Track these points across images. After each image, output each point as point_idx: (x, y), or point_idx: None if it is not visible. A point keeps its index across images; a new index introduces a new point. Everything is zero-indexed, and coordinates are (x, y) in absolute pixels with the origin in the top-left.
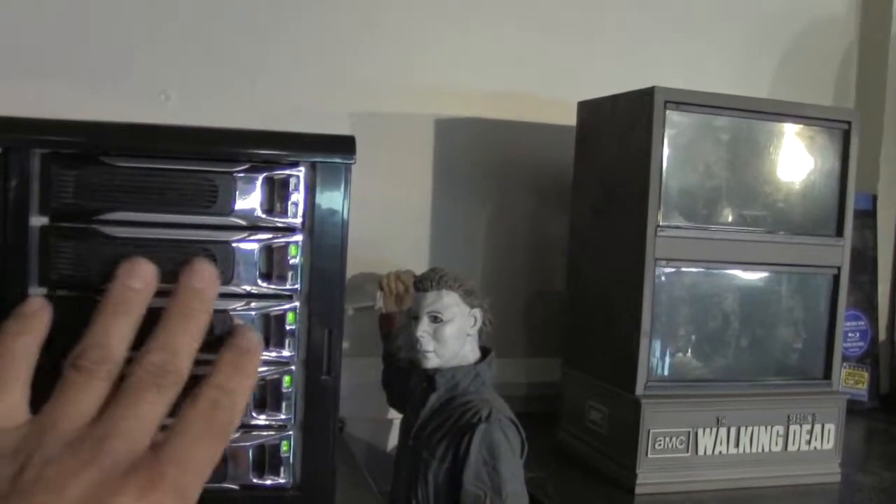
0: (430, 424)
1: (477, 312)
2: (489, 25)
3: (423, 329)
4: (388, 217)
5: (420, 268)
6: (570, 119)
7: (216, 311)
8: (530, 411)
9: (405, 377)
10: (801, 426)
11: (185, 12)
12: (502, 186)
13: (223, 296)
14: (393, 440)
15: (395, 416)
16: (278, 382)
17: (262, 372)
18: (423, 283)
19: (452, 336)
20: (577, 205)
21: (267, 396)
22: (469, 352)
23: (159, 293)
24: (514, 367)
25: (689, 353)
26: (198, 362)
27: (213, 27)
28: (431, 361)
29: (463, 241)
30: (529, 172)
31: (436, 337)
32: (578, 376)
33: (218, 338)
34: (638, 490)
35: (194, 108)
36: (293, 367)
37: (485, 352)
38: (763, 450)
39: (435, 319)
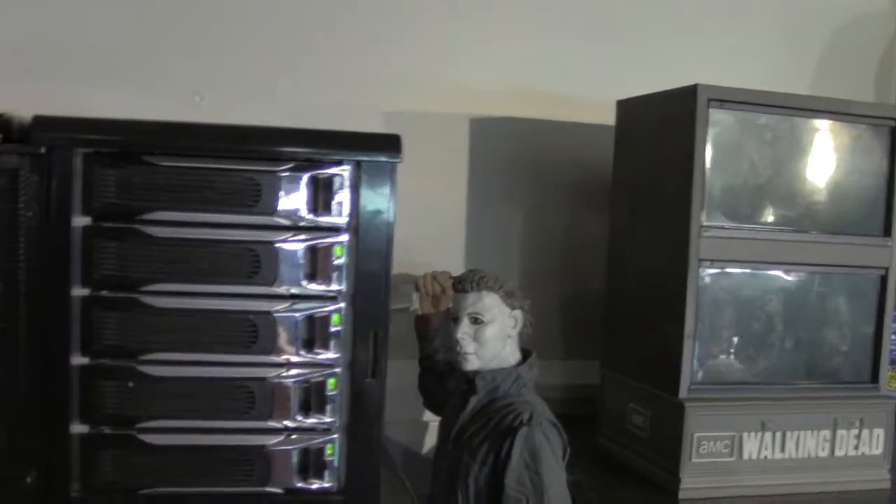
0: (470, 427)
1: (518, 314)
2: (526, 25)
3: (464, 330)
4: (422, 217)
5: (455, 269)
6: (607, 118)
7: (258, 313)
8: (567, 413)
9: (442, 379)
10: (848, 431)
11: (221, 13)
12: (538, 187)
13: (267, 297)
14: (429, 443)
15: (431, 419)
16: (322, 385)
17: (307, 374)
18: (463, 285)
19: (493, 337)
20: (617, 205)
21: (311, 399)
22: (510, 353)
23: (191, 295)
24: (551, 369)
25: (732, 356)
26: (225, 363)
27: (248, 28)
28: (472, 363)
29: (498, 242)
30: (566, 172)
31: (476, 338)
32: (618, 379)
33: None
34: (682, 495)
35: (228, 109)
36: (338, 370)
37: (525, 354)
38: (809, 455)
39: (475, 321)
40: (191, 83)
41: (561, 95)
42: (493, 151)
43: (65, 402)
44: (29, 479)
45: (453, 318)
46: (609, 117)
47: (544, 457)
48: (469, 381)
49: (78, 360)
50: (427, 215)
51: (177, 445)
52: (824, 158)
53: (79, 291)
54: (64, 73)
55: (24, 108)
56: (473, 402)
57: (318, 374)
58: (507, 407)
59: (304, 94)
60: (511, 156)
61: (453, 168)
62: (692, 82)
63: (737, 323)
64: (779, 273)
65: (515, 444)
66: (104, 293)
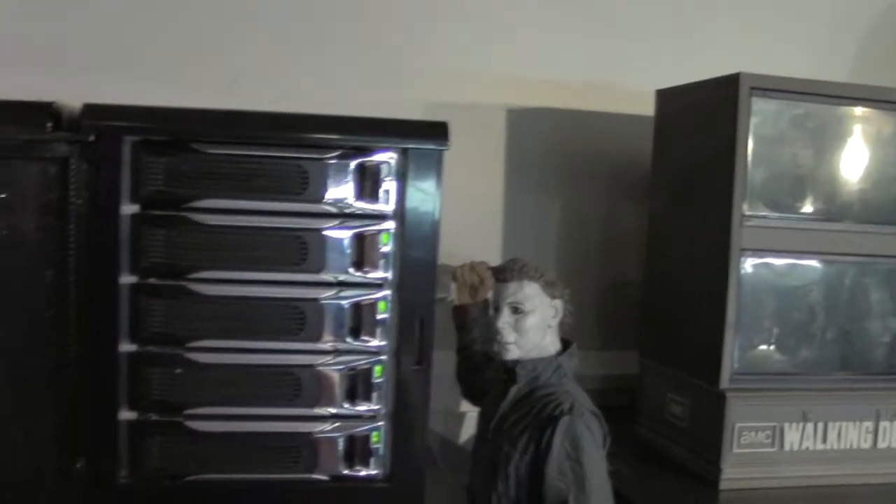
0: (510, 417)
1: (558, 303)
2: (564, 15)
3: (504, 320)
4: (459, 207)
5: (493, 259)
6: (647, 108)
7: (305, 301)
8: (605, 404)
9: (480, 370)
10: (891, 422)
11: (264, 1)
12: (576, 177)
13: (314, 284)
14: (466, 433)
15: (469, 409)
16: (369, 373)
17: (354, 362)
18: (503, 274)
19: (534, 327)
20: (656, 195)
21: (358, 387)
22: (550, 343)
23: (239, 283)
24: (588, 359)
25: (773, 347)
26: (271, 351)
27: (290, 18)
28: (512, 353)
29: (535, 232)
30: (604, 163)
31: (517, 328)
32: (657, 369)
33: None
34: (723, 486)
35: (265, 96)
36: (384, 358)
37: (566, 343)
38: (851, 446)
39: (516, 310)
40: (230, 72)
41: (600, 85)
42: (530, 142)
43: (113, 390)
44: (78, 466)
45: (493, 308)
46: (648, 107)
47: (585, 446)
48: (509, 370)
49: (126, 347)
50: (464, 206)
51: (223, 432)
52: (867, 147)
53: (127, 279)
54: (107, 64)
55: (72, 99)
56: (514, 391)
57: (364, 361)
58: (548, 396)
59: (343, 83)
60: (549, 146)
61: (491, 158)
62: (732, 71)
63: (777, 313)
64: (820, 263)
65: (556, 434)
66: (152, 280)
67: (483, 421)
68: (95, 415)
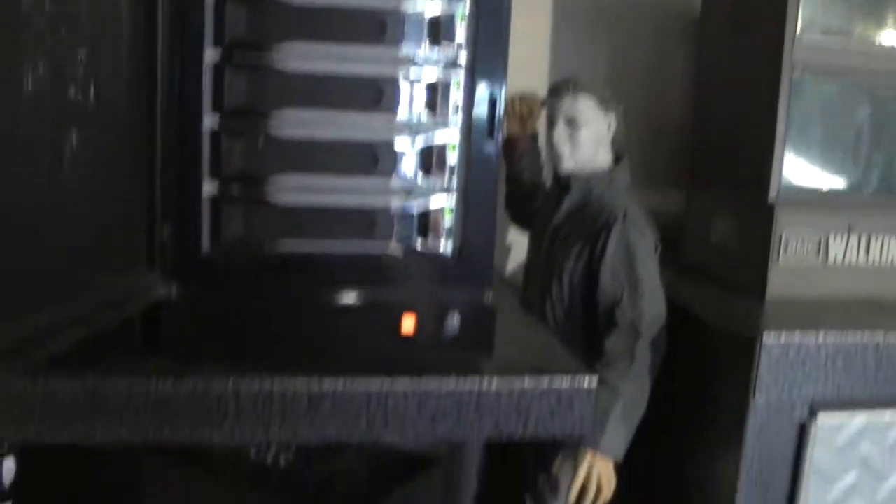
0: (563, 228)
1: (612, 117)
2: None
3: (559, 133)
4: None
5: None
6: None
7: (385, 79)
8: None
9: (529, 198)
10: None
11: None
12: (622, 20)
13: (393, 62)
14: (511, 265)
15: (516, 239)
16: (443, 149)
17: (429, 138)
18: (558, 89)
19: (588, 140)
20: (708, 21)
21: (433, 160)
22: (603, 157)
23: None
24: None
25: (821, 165)
26: (351, 125)
27: None
28: (566, 164)
29: (582, 70)
30: (653, 7)
31: (571, 140)
32: (705, 193)
33: None
34: (769, 296)
35: None
36: (457, 135)
37: (618, 159)
38: (893, 263)
39: (571, 123)
40: None
41: None
42: None
43: (197, 160)
44: (164, 234)
45: (549, 123)
46: None
47: (639, 251)
48: (563, 185)
49: (209, 119)
50: (512, 43)
51: (301, 205)
52: None
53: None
54: None
55: None
56: (567, 203)
57: (439, 139)
58: (601, 207)
59: None
60: None
61: None
62: None
63: (826, 133)
64: (872, 83)
65: (610, 240)
66: (236, 56)
67: (535, 239)
68: (181, 184)
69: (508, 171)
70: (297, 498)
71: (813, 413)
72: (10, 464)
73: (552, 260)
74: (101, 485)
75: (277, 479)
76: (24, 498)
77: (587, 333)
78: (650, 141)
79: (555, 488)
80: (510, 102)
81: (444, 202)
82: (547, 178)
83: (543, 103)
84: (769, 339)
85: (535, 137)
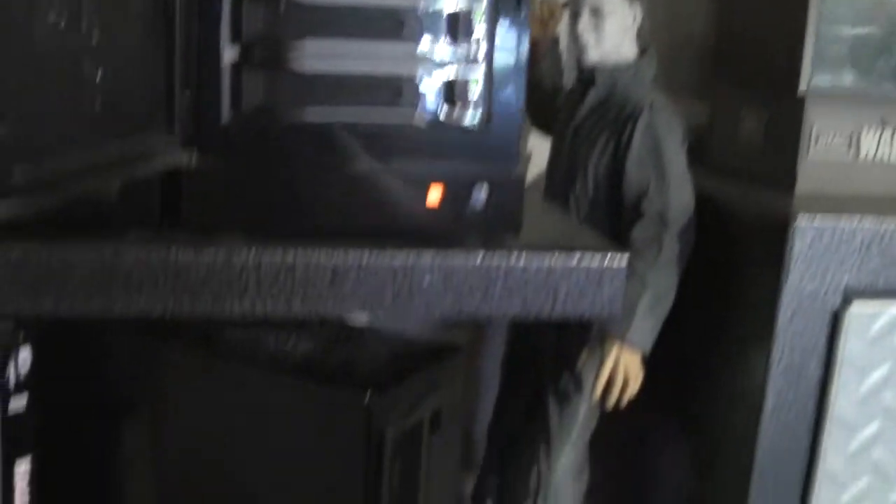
0: (587, 123)
1: (637, 8)
2: None
3: (584, 23)
4: None
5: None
6: None
7: None
8: None
9: (550, 101)
10: None
11: None
12: None
13: None
14: (531, 173)
15: (535, 144)
16: (469, 14)
17: (455, 5)
18: None
19: (613, 30)
20: None
21: (459, 27)
22: (629, 49)
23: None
24: None
25: (852, 60)
26: None
27: None
28: (591, 54)
29: None
30: None
31: (596, 30)
32: (732, 90)
33: None
34: (798, 192)
35: None
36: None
37: (643, 52)
38: None
39: (596, 13)
40: None
41: None
42: None
43: (216, 23)
44: (184, 100)
45: (572, 16)
46: None
47: (665, 141)
48: (586, 78)
49: None
50: None
51: (324, 72)
52: None
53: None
54: None
55: None
56: (592, 95)
57: (465, 4)
58: (626, 99)
59: None
60: None
61: None
62: None
63: (856, 27)
64: None
65: (636, 131)
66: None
67: (557, 139)
68: (201, 49)
69: (528, 76)
70: (317, 384)
71: (847, 301)
72: (25, 354)
73: (575, 156)
74: (118, 374)
75: (296, 366)
76: (39, 391)
77: (612, 232)
78: (673, 53)
79: (579, 385)
80: (532, 6)
81: (471, 73)
82: (569, 76)
83: (565, 5)
84: (803, 221)
85: (556, 41)
